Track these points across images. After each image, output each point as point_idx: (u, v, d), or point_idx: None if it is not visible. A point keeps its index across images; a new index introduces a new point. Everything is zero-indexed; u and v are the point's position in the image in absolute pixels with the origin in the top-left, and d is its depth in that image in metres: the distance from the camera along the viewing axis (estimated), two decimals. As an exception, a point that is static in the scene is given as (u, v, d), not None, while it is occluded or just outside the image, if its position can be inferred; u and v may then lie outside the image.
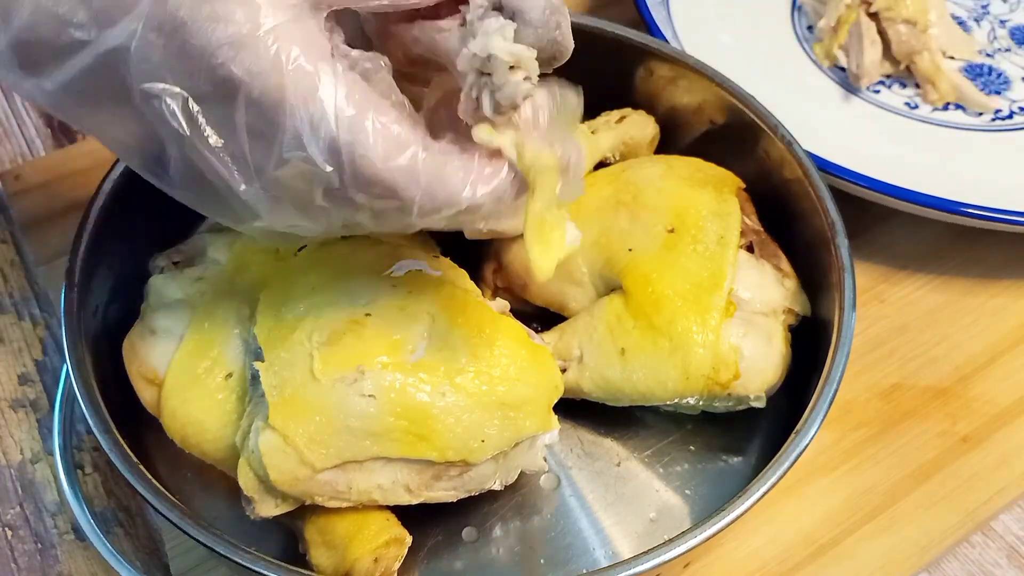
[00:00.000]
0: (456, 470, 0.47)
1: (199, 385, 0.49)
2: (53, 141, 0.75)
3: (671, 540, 0.44)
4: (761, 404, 0.53)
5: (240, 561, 0.43)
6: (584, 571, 0.47)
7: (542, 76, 0.39)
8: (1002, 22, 0.81)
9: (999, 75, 0.76)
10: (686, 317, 0.51)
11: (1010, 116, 0.73)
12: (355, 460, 0.45)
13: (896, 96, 0.75)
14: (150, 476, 0.45)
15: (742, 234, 0.54)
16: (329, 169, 0.36)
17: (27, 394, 0.59)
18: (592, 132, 0.60)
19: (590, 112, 0.62)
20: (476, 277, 0.56)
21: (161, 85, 0.36)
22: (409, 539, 0.48)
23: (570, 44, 0.40)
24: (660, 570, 0.43)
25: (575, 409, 0.54)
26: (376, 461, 0.46)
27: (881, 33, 0.75)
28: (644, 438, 0.55)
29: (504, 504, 0.53)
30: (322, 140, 0.35)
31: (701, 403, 0.53)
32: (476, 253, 0.58)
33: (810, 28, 0.80)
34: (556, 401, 0.49)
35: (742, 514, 0.45)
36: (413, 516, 0.48)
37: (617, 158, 0.61)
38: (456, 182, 0.37)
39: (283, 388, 0.45)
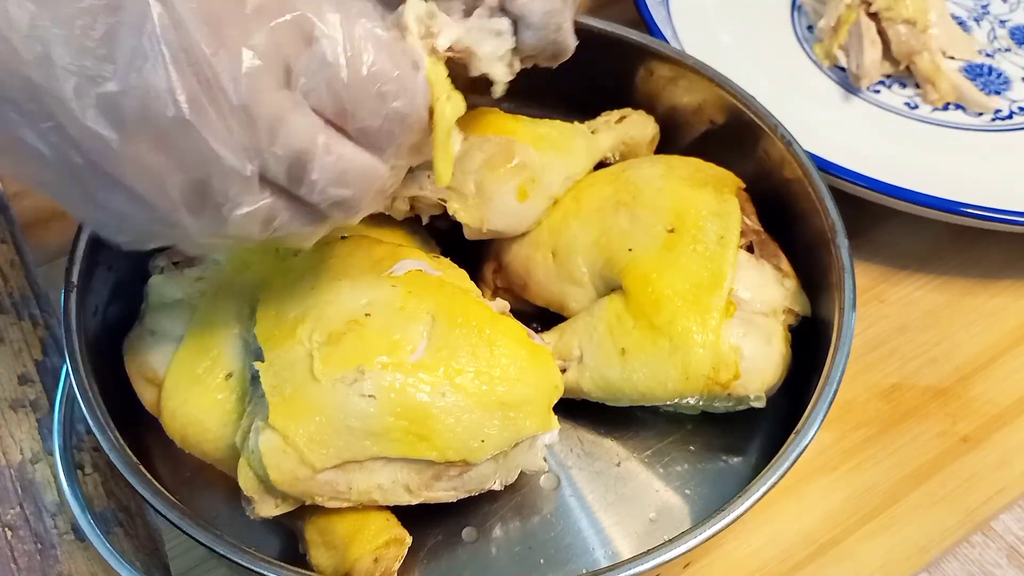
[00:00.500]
0: (456, 470, 0.47)
1: (199, 385, 0.49)
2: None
3: (671, 540, 0.44)
4: (761, 404, 0.53)
5: (240, 561, 0.43)
6: (584, 571, 0.47)
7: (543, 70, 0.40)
8: (1002, 22, 0.81)
9: (999, 75, 0.76)
10: (686, 317, 0.51)
11: (1010, 116, 0.73)
12: (355, 460, 0.45)
13: (896, 96, 0.75)
14: (150, 476, 0.45)
15: (742, 234, 0.54)
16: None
17: (27, 394, 0.59)
18: (592, 132, 0.60)
19: (590, 112, 0.62)
20: (476, 277, 0.56)
21: None
22: (409, 539, 0.48)
23: (571, 43, 0.40)
24: (660, 570, 0.43)
25: (575, 409, 0.54)
26: (376, 461, 0.46)
27: (881, 33, 0.75)
28: (644, 438, 0.55)
29: (504, 504, 0.53)
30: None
31: (701, 403, 0.53)
32: (476, 253, 0.58)
33: (810, 28, 0.80)
34: (556, 401, 0.49)
35: (742, 514, 0.45)
36: (413, 516, 0.48)
37: (617, 158, 0.61)
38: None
39: (283, 388, 0.45)
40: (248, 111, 0.36)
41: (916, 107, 0.74)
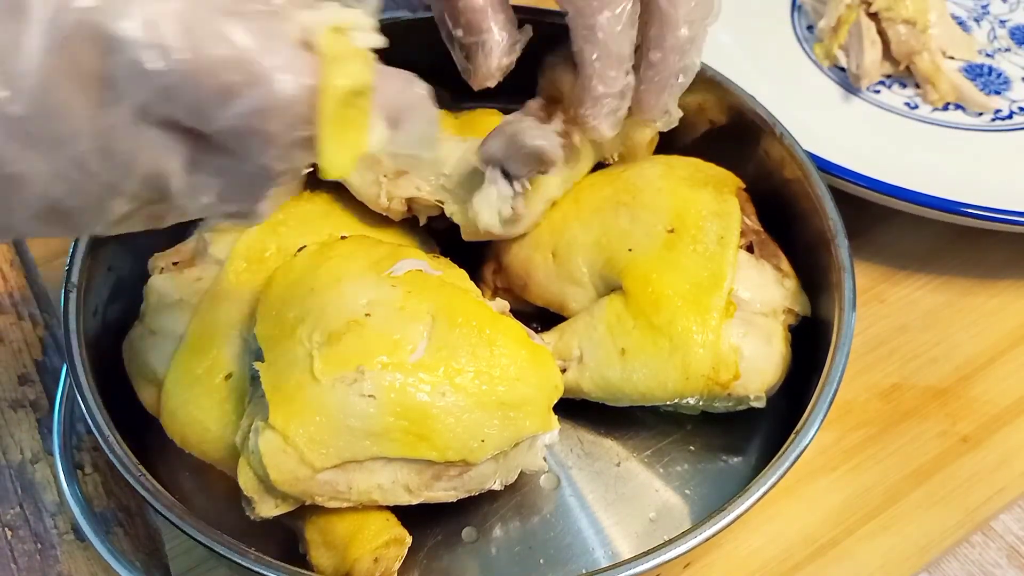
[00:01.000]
0: (456, 470, 0.47)
1: (199, 385, 0.49)
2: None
3: (671, 540, 0.44)
4: (761, 404, 0.53)
5: (240, 561, 0.43)
6: (584, 571, 0.47)
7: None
8: (1002, 22, 0.81)
9: (999, 75, 0.76)
10: (686, 317, 0.51)
11: (1010, 116, 0.73)
12: (355, 460, 0.45)
13: (896, 96, 0.75)
14: (150, 476, 0.45)
15: (742, 234, 0.54)
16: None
17: (27, 394, 0.59)
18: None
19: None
20: (476, 277, 0.56)
21: None
22: (409, 539, 0.48)
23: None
24: (660, 570, 0.43)
25: (575, 409, 0.54)
26: (376, 461, 0.46)
27: (881, 33, 0.74)
28: (644, 438, 0.55)
29: (504, 504, 0.53)
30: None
31: (701, 403, 0.53)
32: (476, 253, 0.58)
33: (810, 28, 0.80)
34: (556, 401, 0.49)
35: (742, 514, 0.45)
36: (413, 516, 0.48)
37: (617, 158, 0.61)
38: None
39: (283, 388, 0.45)
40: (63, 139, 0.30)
41: (916, 107, 0.74)
